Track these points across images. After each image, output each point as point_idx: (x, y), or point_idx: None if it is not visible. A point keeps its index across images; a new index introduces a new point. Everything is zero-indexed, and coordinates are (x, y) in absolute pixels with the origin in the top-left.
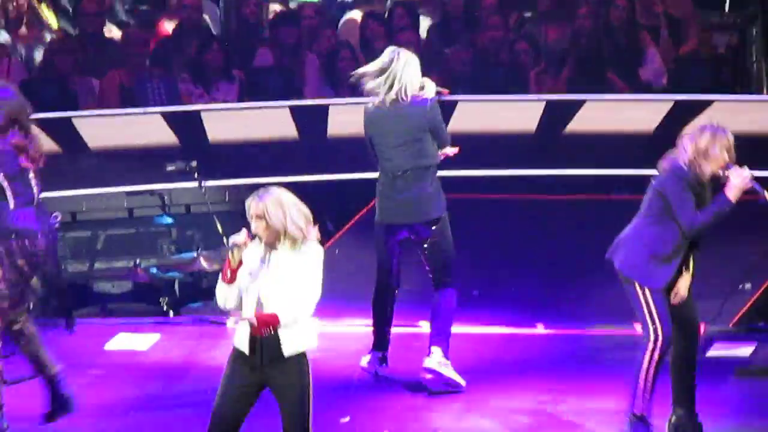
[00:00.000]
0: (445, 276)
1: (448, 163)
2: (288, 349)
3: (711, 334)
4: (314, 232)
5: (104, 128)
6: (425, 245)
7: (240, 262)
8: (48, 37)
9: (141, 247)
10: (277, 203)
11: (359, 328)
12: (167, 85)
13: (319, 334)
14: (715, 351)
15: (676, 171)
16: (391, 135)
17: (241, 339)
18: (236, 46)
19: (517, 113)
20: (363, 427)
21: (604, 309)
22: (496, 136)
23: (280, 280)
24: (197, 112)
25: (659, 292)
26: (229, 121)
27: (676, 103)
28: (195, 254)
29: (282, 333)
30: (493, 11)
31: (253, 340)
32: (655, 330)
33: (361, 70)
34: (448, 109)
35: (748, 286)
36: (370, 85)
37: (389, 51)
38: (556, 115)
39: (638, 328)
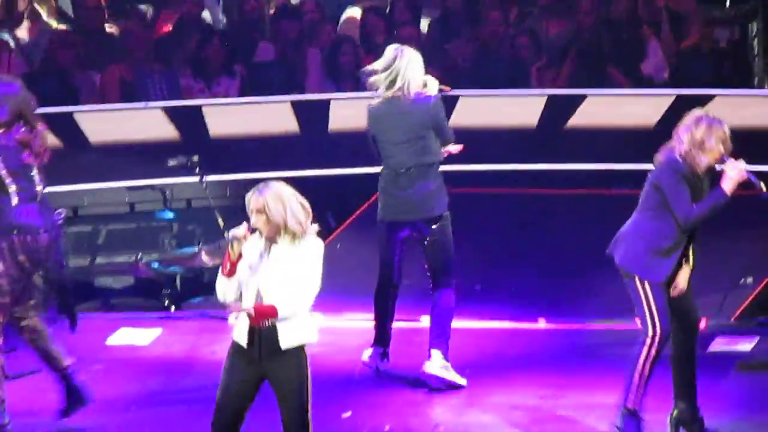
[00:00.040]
0: (444, 276)
1: (450, 157)
2: (285, 342)
3: (712, 328)
4: (313, 227)
5: (105, 123)
6: (425, 243)
7: (240, 256)
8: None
9: (142, 241)
10: (278, 197)
11: (360, 323)
12: (168, 79)
13: (320, 329)
14: (717, 345)
15: (672, 164)
16: (394, 132)
17: (240, 332)
18: (237, 41)
19: (518, 108)
20: (364, 422)
21: (606, 304)
22: (497, 130)
23: (279, 274)
24: (198, 107)
25: (659, 287)
26: (230, 116)
27: (678, 97)
28: (196, 249)
29: (280, 326)
30: (494, 6)
31: (251, 333)
32: (654, 325)
33: (368, 68)
34: (449, 104)
35: (749, 280)
36: (372, 78)
37: (392, 48)
38: (558, 110)
39: (639, 323)
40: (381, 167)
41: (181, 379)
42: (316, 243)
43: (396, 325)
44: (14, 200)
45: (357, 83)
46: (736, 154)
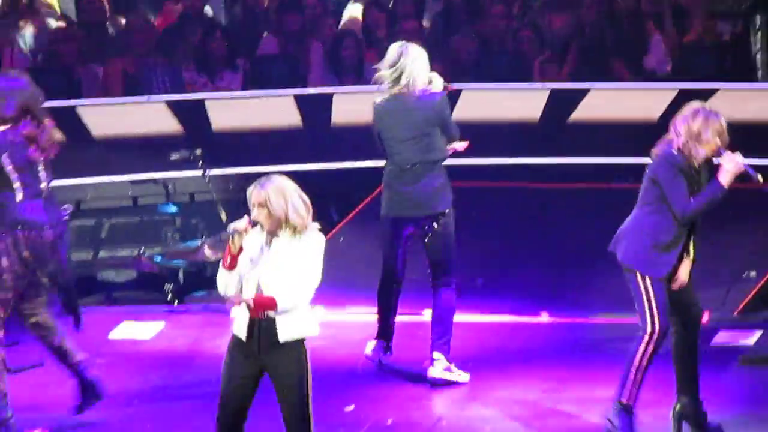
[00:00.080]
0: (444, 273)
1: (454, 152)
2: (284, 335)
3: (715, 322)
4: (315, 224)
5: (108, 117)
6: (426, 239)
7: (240, 249)
8: (52, 24)
9: (145, 235)
10: (279, 191)
11: (363, 316)
12: (171, 73)
13: (323, 322)
14: (720, 339)
15: (668, 157)
16: (399, 129)
17: (239, 325)
18: (240, 35)
19: (521, 102)
20: (367, 415)
21: (609, 298)
22: (500, 124)
23: (280, 267)
24: (201, 101)
25: (660, 283)
26: (233, 110)
27: (681, 91)
28: (199, 243)
29: (278, 319)
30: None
31: (251, 326)
32: (653, 322)
33: (377, 67)
34: (452, 98)
35: (753, 274)
36: (377, 75)
37: (397, 46)
38: (561, 104)
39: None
40: (385, 162)
41: (183, 373)
42: (318, 237)
43: (399, 318)
44: (19, 196)
45: (359, 77)
46: (739, 148)
